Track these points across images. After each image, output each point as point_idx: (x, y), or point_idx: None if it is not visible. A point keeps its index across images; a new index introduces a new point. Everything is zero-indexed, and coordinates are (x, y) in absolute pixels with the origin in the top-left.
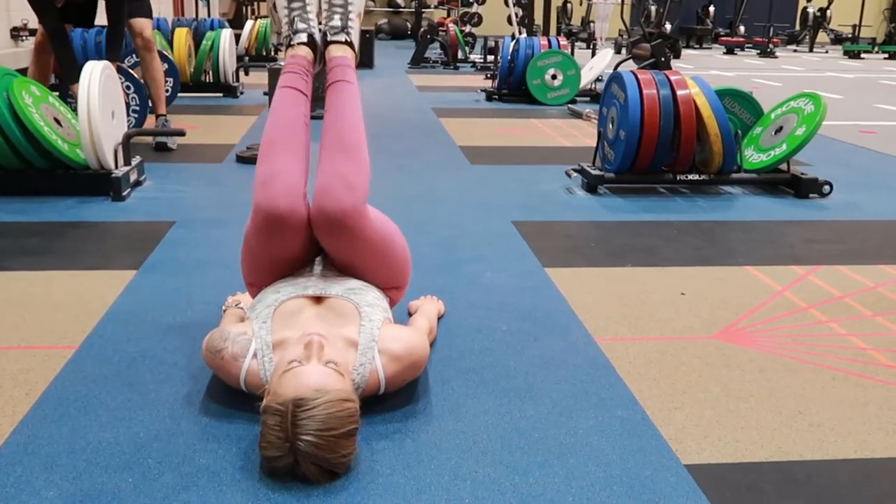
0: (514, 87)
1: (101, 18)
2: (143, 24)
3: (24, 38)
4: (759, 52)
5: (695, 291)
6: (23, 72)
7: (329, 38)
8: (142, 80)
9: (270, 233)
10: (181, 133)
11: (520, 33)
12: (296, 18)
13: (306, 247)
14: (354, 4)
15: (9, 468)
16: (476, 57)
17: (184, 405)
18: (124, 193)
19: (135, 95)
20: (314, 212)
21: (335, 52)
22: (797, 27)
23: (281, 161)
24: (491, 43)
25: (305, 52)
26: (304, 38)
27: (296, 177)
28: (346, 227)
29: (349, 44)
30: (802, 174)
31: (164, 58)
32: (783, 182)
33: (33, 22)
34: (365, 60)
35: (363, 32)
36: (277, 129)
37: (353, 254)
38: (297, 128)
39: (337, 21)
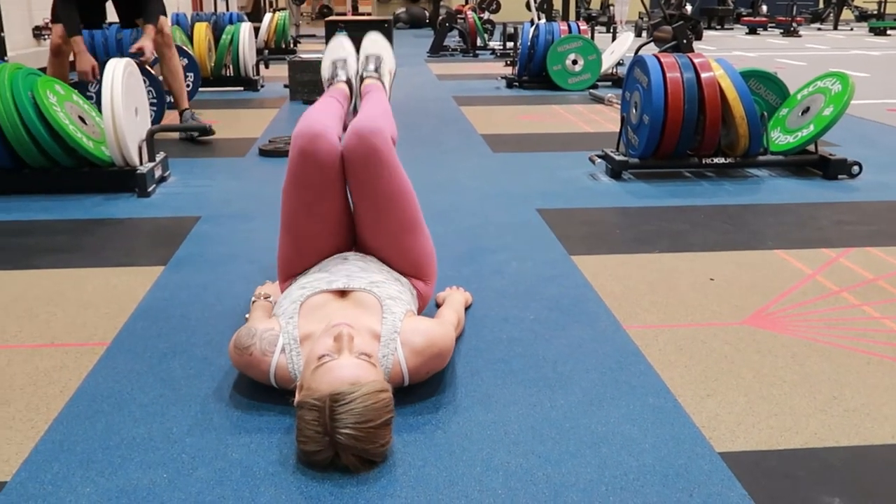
0: (534, 74)
1: (110, 16)
2: (161, 21)
3: (46, 36)
4: (782, 31)
5: (724, 277)
6: (44, 71)
7: (364, 76)
8: (160, 76)
9: (305, 157)
10: (207, 129)
11: (539, 19)
12: (338, 69)
13: (338, 201)
14: (386, 63)
15: (45, 465)
16: (495, 44)
17: (215, 400)
18: (149, 189)
19: (150, 89)
20: (346, 140)
21: (368, 82)
22: (821, 5)
23: (320, 114)
24: (510, 29)
25: (343, 87)
26: (343, 77)
27: (332, 122)
28: (374, 146)
29: (380, 79)
30: (831, 155)
31: (184, 53)
32: (811, 163)
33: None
34: None
35: (382, 21)
36: (318, 104)
37: (377, 188)
38: (337, 105)
39: (371, 67)
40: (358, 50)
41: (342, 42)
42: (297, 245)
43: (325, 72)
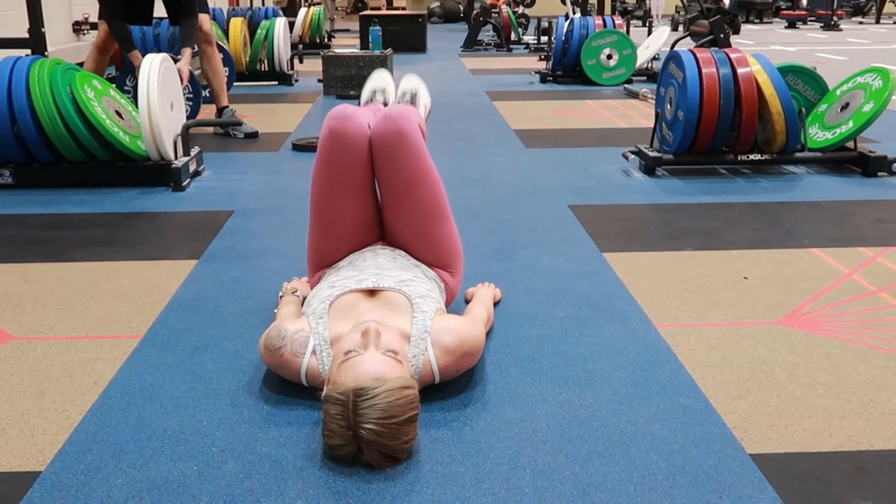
0: (568, 69)
1: (158, 11)
2: (202, 18)
3: (85, 31)
4: (822, 25)
5: (758, 275)
6: (82, 65)
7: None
8: (198, 72)
9: (334, 136)
10: (239, 123)
11: (573, 13)
12: (377, 94)
13: (365, 183)
14: (422, 98)
15: (79, 455)
16: (529, 38)
17: (245, 394)
18: (184, 184)
19: (187, 84)
20: (375, 122)
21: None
22: None
23: (351, 106)
24: (544, 24)
25: (379, 106)
26: (380, 101)
27: (363, 113)
28: (401, 128)
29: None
30: (870, 152)
31: (219, 48)
32: (850, 160)
33: (94, 16)
34: (417, 44)
35: (416, 16)
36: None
37: (403, 169)
38: (370, 112)
39: (407, 99)
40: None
41: (383, 75)
42: (326, 229)
43: (364, 97)
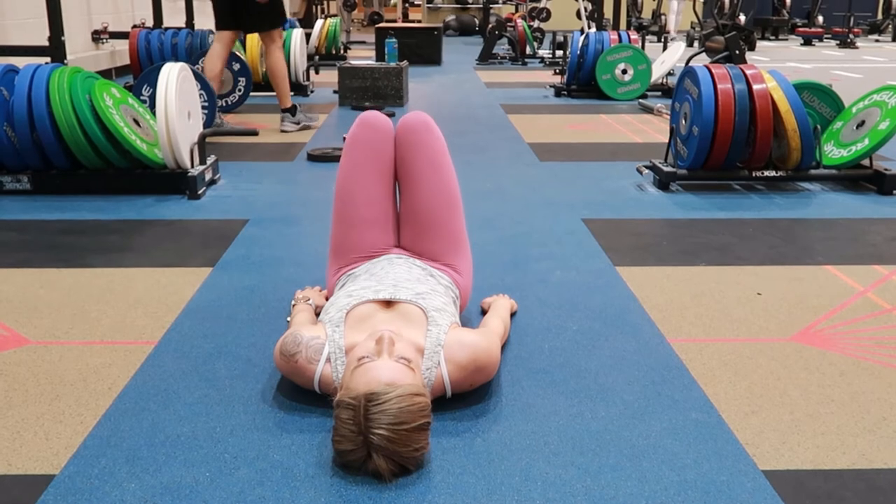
0: (583, 83)
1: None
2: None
3: (104, 40)
4: (838, 42)
5: (772, 291)
6: (102, 73)
7: None
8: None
9: (363, 123)
10: (254, 133)
11: (589, 28)
12: None
13: (385, 172)
14: None
15: (93, 460)
16: (544, 52)
17: (258, 401)
18: (200, 192)
19: (201, 92)
20: (402, 117)
21: None
22: (879, 16)
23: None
24: (560, 38)
25: None
26: None
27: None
28: (426, 119)
29: None
30: (886, 170)
31: (236, 58)
32: (865, 178)
33: (113, 25)
34: (433, 57)
35: (432, 29)
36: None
37: (425, 152)
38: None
39: None
40: None
41: None
42: (346, 215)
43: None
